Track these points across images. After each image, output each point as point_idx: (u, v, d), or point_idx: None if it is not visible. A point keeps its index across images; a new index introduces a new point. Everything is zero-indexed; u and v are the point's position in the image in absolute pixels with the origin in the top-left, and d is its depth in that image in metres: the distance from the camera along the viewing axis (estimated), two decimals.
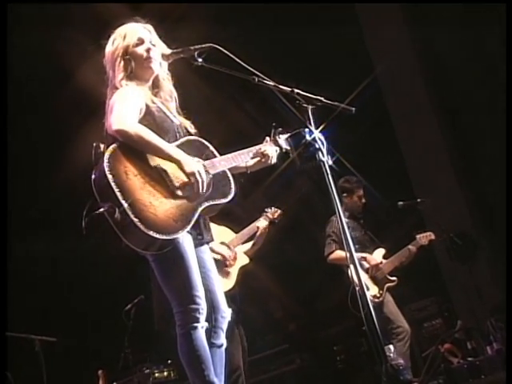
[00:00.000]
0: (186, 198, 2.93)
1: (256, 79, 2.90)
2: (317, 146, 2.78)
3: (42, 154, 7.47)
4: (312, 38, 7.33)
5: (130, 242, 2.83)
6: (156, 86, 3.22)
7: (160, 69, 3.20)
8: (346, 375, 6.73)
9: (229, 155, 3.18)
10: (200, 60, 3.00)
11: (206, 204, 3.00)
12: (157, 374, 6.31)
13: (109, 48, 3.18)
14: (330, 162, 2.78)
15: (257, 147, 3.29)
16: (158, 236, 2.77)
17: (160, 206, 2.85)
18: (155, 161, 2.93)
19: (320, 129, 2.83)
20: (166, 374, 6.41)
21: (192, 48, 3.00)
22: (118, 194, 2.76)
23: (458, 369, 5.32)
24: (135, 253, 2.94)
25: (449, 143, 7.22)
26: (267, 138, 3.34)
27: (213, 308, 3.06)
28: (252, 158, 3.27)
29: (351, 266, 2.73)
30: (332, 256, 5.74)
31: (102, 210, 2.79)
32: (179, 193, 2.92)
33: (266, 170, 3.45)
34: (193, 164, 2.94)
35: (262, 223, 5.23)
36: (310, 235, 6.96)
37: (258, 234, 5.20)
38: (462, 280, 6.42)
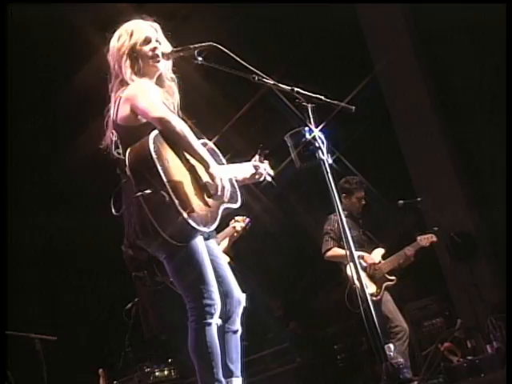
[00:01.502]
0: (211, 196, 2.97)
1: (256, 78, 2.90)
2: (317, 145, 2.78)
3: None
4: (312, 36, 7.34)
5: (160, 225, 2.80)
6: (159, 85, 3.22)
7: (164, 67, 3.20)
8: (347, 374, 6.72)
9: (231, 166, 3.27)
10: (200, 59, 3.00)
11: (225, 206, 3.06)
12: (157, 373, 6.31)
13: (114, 43, 3.17)
14: (330, 161, 2.78)
15: (250, 163, 3.37)
16: (198, 227, 2.82)
17: (195, 197, 2.90)
18: (185, 156, 2.97)
19: (320, 127, 2.83)
20: (166, 372, 6.41)
21: (192, 47, 3.00)
22: (163, 175, 2.77)
23: (458, 367, 5.33)
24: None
25: (449, 142, 7.22)
26: (256, 157, 3.40)
27: (226, 294, 3.08)
28: (248, 172, 3.35)
29: (350, 264, 2.74)
30: (329, 253, 5.74)
31: (146, 191, 2.75)
32: (207, 191, 2.96)
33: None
34: (217, 169, 2.98)
35: (238, 226, 5.34)
36: (309, 233, 6.96)
37: (232, 236, 5.34)
38: (462, 279, 6.42)
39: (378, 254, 5.83)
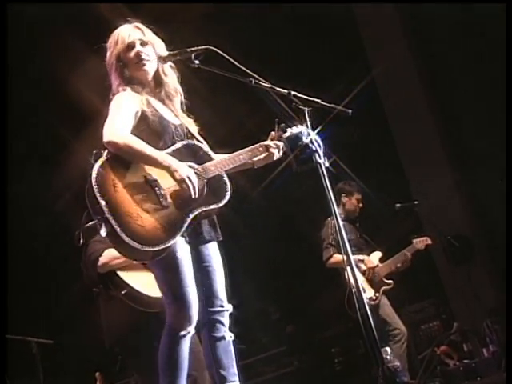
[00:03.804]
0: (176, 206, 2.91)
1: (253, 81, 2.90)
2: (313, 148, 2.78)
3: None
4: (309, 40, 7.35)
5: (121, 253, 2.88)
6: (158, 85, 3.20)
7: (160, 66, 3.17)
8: (344, 377, 6.72)
9: (226, 157, 3.15)
10: (197, 62, 2.99)
11: (199, 210, 2.97)
12: None
13: (107, 54, 3.18)
14: (327, 164, 2.78)
15: (261, 144, 3.25)
16: (144, 248, 2.77)
17: (148, 216, 2.84)
18: (145, 171, 2.92)
19: (317, 131, 2.83)
20: None
21: (189, 50, 2.99)
22: (105, 207, 2.76)
23: (454, 371, 5.34)
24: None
25: (446, 145, 7.23)
26: (272, 133, 3.30)
27: (210, 302, 3.05)
28: (255, 154, 3.23)
29: (348, 269, 2.74)
30: (331, 260, 5.75)
31: (91, 223, 2.81)
32: (170, 201, 2.90)
33: (262, 172, 3.44)
34: (183, 169, 2.90)
35: None
36: (305, 237, 6.96)
37: None
38: (459, 282, 6.42)
39: (375, 258, 5.84)
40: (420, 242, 5.82)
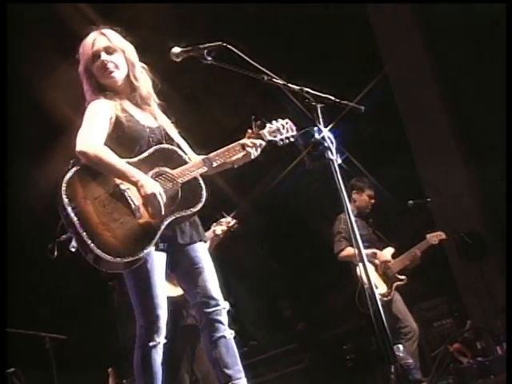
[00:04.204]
0: (149, 215, 2.90)
1: (265, 78, 2.89)
2: (326, 145, 2.77)
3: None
4: (322, 36, 7.33)
5: (95, 265, 2.85)
6: (133, 90, 3.18)
7: (131, 71, 3.15)
8: (356, 374, 6.71)
9: (201, 159, 3.11)
10: (209, 58, 2.99)
11: (173, 217, 2.94)
12: None
13: (80, 64, 3.18)
14: (339, 161, 2.77)
15: (237, 143, 3.19)
16: (115, 260, 2.78)
17: (119, 227, 2.83)
18: (117, 181, 2.92)
19: (329, 127, 2.82)
20: None
21: (201, 46, 2.98)
22: (75, 220, 2.77)
23: (468, 369, 5.30)
24: None
25: (459, 142, 7.19)
26: (249, 131, 3.25)
27: (205, 303, 3.03)
28: (231, 154, 3.16)
29: (360, 264, 2.73)
30: (343, 253, 5.74)
31: (64, 236, 2.82)
32: (142, 211, 2.90)
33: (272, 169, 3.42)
34: (150, 186, 2.88)
35: (218, 230, 5.07)
36: (317, 234, 6.95)
37: (212, 240, 5.01)
38: (472, 279, 6.40)
39: (388, 253, 5.83)
40: (434, 237, 5.81)
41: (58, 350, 5.44)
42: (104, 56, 3.11)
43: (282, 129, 3.25)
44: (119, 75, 3.13)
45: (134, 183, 2.89)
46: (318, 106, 2.82)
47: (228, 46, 2.91)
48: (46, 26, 6.28)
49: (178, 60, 3.14)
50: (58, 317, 6.92)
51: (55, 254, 3.72)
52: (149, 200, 2.87)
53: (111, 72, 3.10)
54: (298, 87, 2.86)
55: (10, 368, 5.19)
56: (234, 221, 5.20)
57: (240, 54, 2.87)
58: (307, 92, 2.83)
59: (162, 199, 2.88)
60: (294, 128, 3.28)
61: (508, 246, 5.53)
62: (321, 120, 2.80)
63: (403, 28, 7.37)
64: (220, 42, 2.95)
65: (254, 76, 2.89)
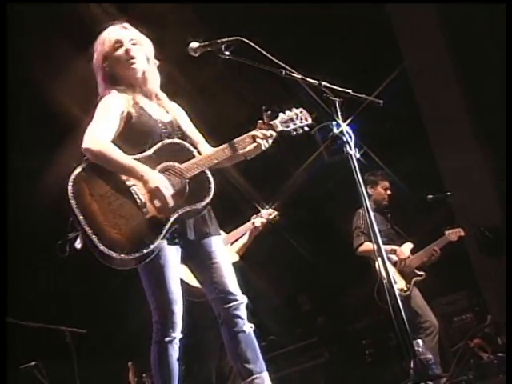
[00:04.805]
0: (156, 210, 2.89)
1: (284, 72, 2.89)
2: (344, 139, 2.77)
3: None
4: (341, 31, 7.30)
5: (104, 262, 2.85)
6: (145, 84, 3.17)
7: (147, 65, 3.15)
8: (375, 369, 6.70)
9: (209, 153, 3.09)
10: (227, 53, 2.98)
11: (180, 212, 2.92)
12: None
13: (94, 56, 3.16)
14: (358, 155, 2.76)
15: (247, 135, 3.15)
16: (121, 256, 2.78)
17: (126, 224, 2.83)
18: (123, 177, 2.92)
19: (347, 122, 2.81)
20: None
21: (219, 41, 2.98)
22: (81, 218, 2.78)
23: (488, 364, 5.26)
24: None
25: (479, 137, 7.13)
26: (259, 122, 3.20)
27: (222, 298, 3.01)
28: (241, 146, 3.11)
29: (379, 259, 2.72)
30: (361, 248, 5.74)
31: (73, 234, 2.84)
32: (149, 207, 2.89)
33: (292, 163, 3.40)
34: (154, 180, 2.87)
35: (258, 222, 5.03)
36: (337, 228, 6.94)
37: (251, 232, 5.00)
38: (492, 274, 6.35)
39: (406, 249, 5.81)
40: (453, 234, 5.77)
41: (79, 344, 5.48)
42: (128, 45, 3.11)
43: (296, 118, 3.21)
44: (139, 66, 3.12)
45: (139, 178, 2.89)
46: (337, 100, 2.81)
47: (246, 40, 2.90)
48: (52, 26, 6.29)
49: (196, 55, 3.15)
50: (77, 311, 6.98)
51: (67, 251, 3.74)
52: (154, 194, 2.87)
53: (134, 62, 3.09)
54: (316, 81, 2.85)
55: (32, 362, 5.26)
56: (276, 213, 5.14)
57: (258, 48, 2.86)
58: (325, 86, 2.83)
59: (168, 193, 2.88)
60: (309, 117, 3.24)
61: (508, 245, 5.48)
62: (339, 114, 2.79)
63: (424, 21, 7.29)
64: (238, 37, 2.95)
65: (272, 70, 2.89)
